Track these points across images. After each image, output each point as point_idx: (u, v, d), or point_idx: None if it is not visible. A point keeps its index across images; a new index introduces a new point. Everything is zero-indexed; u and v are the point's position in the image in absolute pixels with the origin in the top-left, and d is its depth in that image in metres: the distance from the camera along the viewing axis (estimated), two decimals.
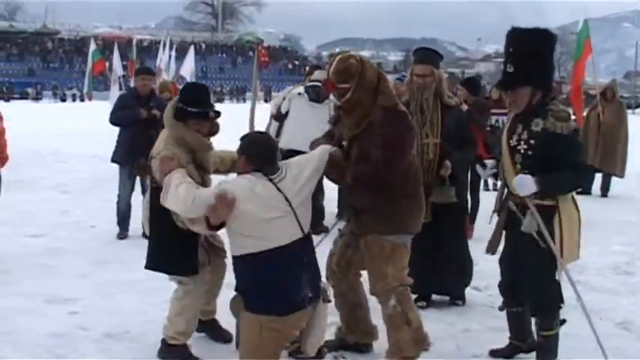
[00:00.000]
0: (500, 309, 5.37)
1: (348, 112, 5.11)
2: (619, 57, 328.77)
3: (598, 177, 13.55)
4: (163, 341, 5.33)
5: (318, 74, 9.94)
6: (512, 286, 5.15)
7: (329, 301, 4.96)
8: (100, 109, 22.74)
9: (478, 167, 5.46)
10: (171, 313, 5.32)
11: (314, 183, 4.87)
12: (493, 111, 11.26)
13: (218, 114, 5.26)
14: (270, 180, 4.60)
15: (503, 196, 5.15)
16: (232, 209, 4.46)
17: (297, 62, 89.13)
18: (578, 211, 4.98)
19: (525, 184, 4.71)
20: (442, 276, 6.61)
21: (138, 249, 6.98)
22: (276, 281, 4.55)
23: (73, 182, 14.12)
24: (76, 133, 25.05)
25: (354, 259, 5.32)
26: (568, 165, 4.71)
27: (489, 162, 5.38)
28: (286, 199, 4.59)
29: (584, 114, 14.08)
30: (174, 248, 5.13)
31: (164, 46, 27.74)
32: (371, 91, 5.03)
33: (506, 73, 4.87)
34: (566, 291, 5.00)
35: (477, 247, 6.59)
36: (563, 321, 5.04)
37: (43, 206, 11.39)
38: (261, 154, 4.69)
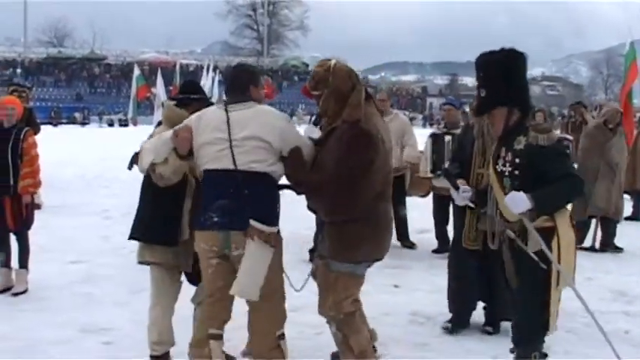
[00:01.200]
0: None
1: (321, 117, 5.35)
2: None
3: None
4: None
5: None
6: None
7: (272, 247, 4.77)
8: (145, 133, 22.89)
9: None
10: (148, 325, 5.67)
11: (267, 144, 4.78)
12: None
13: (212, 103, 5.62)
14: (225, 108, 4.88)
15: (496, 227, 5.01)
16: (189, 135, 4.93)
17: None
18: (575, 234, 4.79)
19: (518, 201, 4.49)
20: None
21: None
22: (202, 199, 4.98)
23: (115, 208, 14.12)
24: (121, 157, 25.15)
25: None
26: (558, 176, 4.52)
27: None
28: (228, 127, 4.79)
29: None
30: (158, 217, 5.48)
31: (207, 70, 27.91)
32: (340, 102, 4.92)
33: (480, 97, 4.81)
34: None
35: None
36: (545, 355, 4.85)
37: (84, 232, 11.40)
38: (226, 82, 5.31)
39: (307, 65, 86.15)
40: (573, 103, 19.12)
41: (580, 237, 10.45)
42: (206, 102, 5.70)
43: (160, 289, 5.61)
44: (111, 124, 62.73)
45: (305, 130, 9.91)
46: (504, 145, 4.76)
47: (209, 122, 4.89)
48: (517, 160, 4.66)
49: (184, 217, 5.47)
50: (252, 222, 4.68)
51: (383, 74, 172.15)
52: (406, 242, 10.38)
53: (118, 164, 22.59)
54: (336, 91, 4.92)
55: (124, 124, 60.82)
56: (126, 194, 16.14)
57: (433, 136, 10.19)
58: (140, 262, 5.72)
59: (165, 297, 5.61)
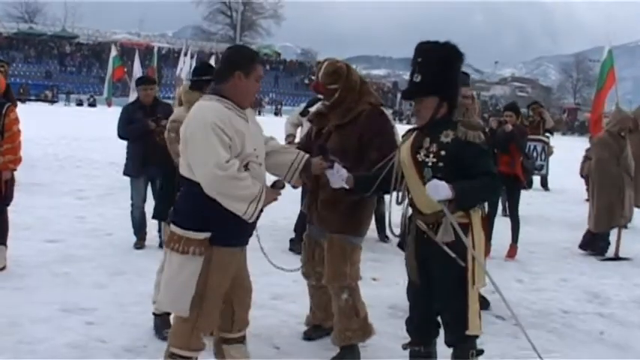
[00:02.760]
0: (404, 348, 5.00)
1: (334, 107, 5.64)
2: (635, 85, 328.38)
3: None
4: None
5: None
6: (427, 321, 4.85)
7: (187, 254, 4.39)
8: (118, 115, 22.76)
9: None
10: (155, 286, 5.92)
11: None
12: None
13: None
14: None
15: (407, 219, 4.88)
16: None
17: (313, 77, 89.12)
18: (486, 234, 4.68)
19: (440, 189, 4.39)
20: None
21: (155, 260, 6.94)
22: None
23: (89, 188, 14.08)
24: (93, 138, 25.02)
25: (321, 254, 5.78)
26: (480, 173, 4.47)
27: None
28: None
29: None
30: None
31: (184, 55, 27.74)
32: (356, 91, 5.66)
33: (413, 82, 4.69)
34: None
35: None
36: (481, 351, 4.69)
37: (59, 211, 11.33)
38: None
39: (279, 54, 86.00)
40: (531, 103, 19.17)
41: (601, 248, 10.62)
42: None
43: None
44: (80, 104, 62.25)
45: (289, 119, 9.87)
46: (428, 136, 4.63)
47: None
48: (442, 153, 4.55)
49: None
50: (171, 225, 4.49)
51: (355, 67, 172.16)
52: (383, 236, 10.43)
53: (91, 145, 22.73)
54: (353, 83, 5.66)
55: (92, 104, 60.47)
56: (101, 175, 16.16)
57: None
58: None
59: None
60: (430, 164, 4.57)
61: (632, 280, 9.08)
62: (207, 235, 4.34)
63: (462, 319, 4.54)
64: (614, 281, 9.00)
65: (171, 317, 5.02)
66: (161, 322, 5.93)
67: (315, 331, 6.17)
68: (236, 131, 4.31)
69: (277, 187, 4.54)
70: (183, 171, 4.42)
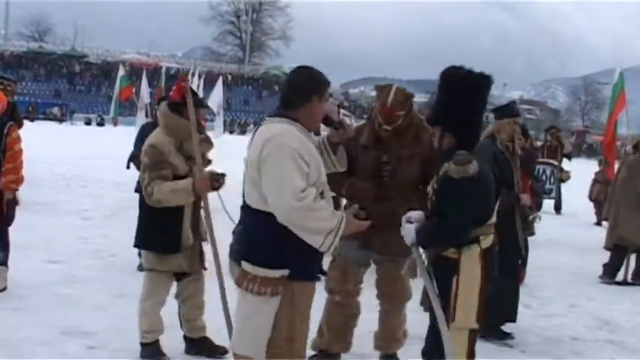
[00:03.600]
0: None
1: (399, 134, 5.69)
2: None
3: None
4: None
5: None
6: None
7: (265, 295, 4.07)
8: (125, 135, 22.71)
9: None
10: (139, 315, 5.89)
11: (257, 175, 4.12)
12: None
13: (206, 105, 6.07)
14: (260, 124, 4.37)
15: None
16: (207, 184, 5.59)
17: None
18: (487, 269, 4.43)
19: (406, 232, 4.47)
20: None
21: None
22: None
23: (94, 209, 14.00)
24: (101, 157, 24.99)
25: (359, 274, 5.94)
26: (441, 213, 4.39)
27: None
28: (250, 146, 4.26)
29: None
30: (159, 225, 5.70)
31: (192, 75, 27.65)
32: (417, 119, 5.81)
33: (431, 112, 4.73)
34: None
35: None
36: None
37: (62, 232, 11.23)
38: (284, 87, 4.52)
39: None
40: (548, 127, 19.05)
41: (610, 271, 10.48)
42: (200, 105, 5.98)
43: (155, 286, 5.91)
44: (88, 123, 62.39)
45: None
46: (440, 167, 4.55)
47: (250, 141, 4.36)
48: (435, 186, 4.51)
49: (185, 223, 5.68)
50: (242, 263, 4.15)
51: (363, 88, 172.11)
52: None
53: (98, 164, 22.71)
54: (416, 112, 5.93)
55: (100, 123, 60.62)
56: (106, 195, 16.10)
57: None
58: (149, 270, 5.98)
59: (159, 293, 5.89)
60: (429, 196, 4.59)
61: None
62: (284, 272, 4.04)
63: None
64: (623, 307, 8.87)
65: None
66: (152, 350, 5.87)
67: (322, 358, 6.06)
68: (313, 158, 4.13)
69: (359, 216, 4.33)
70: (252, 201, 4.13)
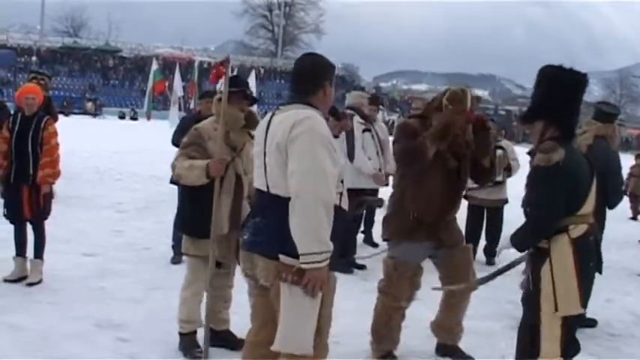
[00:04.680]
0: None
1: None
2: None
3: None
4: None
5: (352, 99, 9.84)
6: None
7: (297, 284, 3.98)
8: (159, 128, 22.83)
9: None
10: (179, 304, 5.95)
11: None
12: None
13: (255, 99, 6.23)
14: (274, 112, 4.26)
15: None
16: (222, 166, 5.54)
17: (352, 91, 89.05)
18: (578, 258, 4.40)
19: (504, 244, 4.75)
20: None
21: None
22: None
23: (128, 202, 14.08)
24: (134, 151, 25.18)
25: (418, 276, 5.98)
26: (531, 203, 4.52)
27: None
28: (266, 136, 4.16)
29: None
30: (195, 211, 5.80)
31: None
32: None
33: (528, 108, 4.76)
34: None
35: None
36: None
37: (97, 225, 11.32)
38: (292, 76, 4.43)
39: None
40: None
41: None
42: (245, 95, 5.97)
43: (195, 274, 5.89)
44: (122, 117, 62.85)
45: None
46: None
47: (258, 130, 4.36)
48: (529, 178, 4.61)
49: (221, 212, 5.66)
50: (281, 256, 3.97)
51: (395, 82, 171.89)
52: None
53: (132, 158, 22.87)
54: None
55: (134, 117, 61.07)
56: (140, 189, 16.18)
57: None
58: (185, 254, 6.07)
59: (199, 282, 5.85)
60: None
61: None
62: (328, 261, 3.94)
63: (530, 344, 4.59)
64: None
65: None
66: (189, 341, 5.89)
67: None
68: (335, 143, 4.13)
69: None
70: (282, 190, 3.99)
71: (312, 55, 4.50)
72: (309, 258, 3.84)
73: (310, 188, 3.82)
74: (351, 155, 8.99)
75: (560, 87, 4.56)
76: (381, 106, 11.10)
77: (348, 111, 9.26)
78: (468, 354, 6.11)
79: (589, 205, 4.53)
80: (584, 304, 4.45)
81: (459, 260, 5.88)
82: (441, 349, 6.19)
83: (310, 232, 3.84)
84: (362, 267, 9.37)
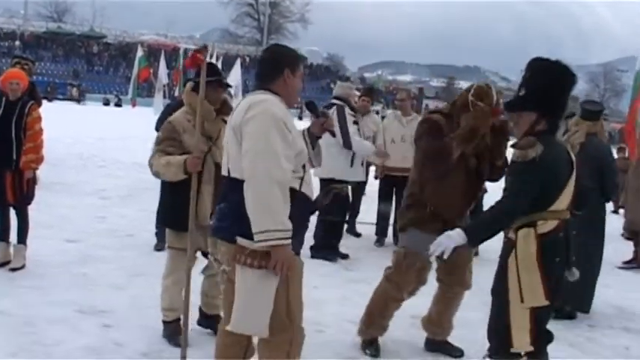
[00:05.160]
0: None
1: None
2: None
3: None
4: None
5: (339, 89, 9.81)
6: None
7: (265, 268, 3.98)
8: (144, 115, 22.79)
9: None
10: (161, 292, 5.97)
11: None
12: None
13: (228, 85, 6.23)
14: (240, 101, 4.32)
15: None
16: (199, 161, 5.44)
17: (339, 81, 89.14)
18: (546, 252, 4.42)
19: (444, 241, 4.55)
20: None
21: None
22: None
23: (111, 189, 14.05)
24: (118, 138, 25.11)
25: (427, 270, 5.96)
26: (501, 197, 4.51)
27: None
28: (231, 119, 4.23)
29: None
30: (175, 203, 5.72)
31: (211, 57, 27.65)
32: None
33: (517, 96, 4.68)
34: None
35: None
36: None
37: (80, 211, 11.31)
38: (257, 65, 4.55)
39: (306, 58, 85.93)
40: (569, 114, 18.88)
41: None
42: (221, 84, 5.91)
43: (176, 264, 5.87)
44: (107, 104, 62.66)
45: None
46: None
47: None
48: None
49: (204, 202, 5.64)
50: (238, 239, 4.00)
51: (380, 72, 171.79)
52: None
53: (116, 144, 22.82)
54: None
55: (118, 104, 60.89)
56: (123, 176, 16.17)
57: None
58: (169, 247, 5.99)
59: (179, 271, 5.78)
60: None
61: None
62: (288, 240, 3.92)
63: (503, 335, 4.55)
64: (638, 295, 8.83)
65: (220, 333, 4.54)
66: (172, 329, 5.90)
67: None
68: (295, 128, 4.13)
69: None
70: (239, 174, 4.00)
71: (274, 45, 4.64)
72: (263, 236, 3.83)
73: (261, 168, 3.84)
74: (347, 143, 9.07)
75: (555, 81, 4.57)
76: (379, 101, 11.29)
77: (337, 101, 9.32)
78: (457, 346, 6.15)
79: (563, 202, 4.54)
80: (550, 297, 4.44)
81: (461, 258, 5.74)
82: (429, 344, 6.21)
83: (263, 210, 3.84)
84: (345, 256, 9.41)
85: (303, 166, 4.15)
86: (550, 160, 4.42)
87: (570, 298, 6.91)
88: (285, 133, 3.96)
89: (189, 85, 5.94)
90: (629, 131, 13.38)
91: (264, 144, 3.88)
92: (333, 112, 9.01)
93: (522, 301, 4.43)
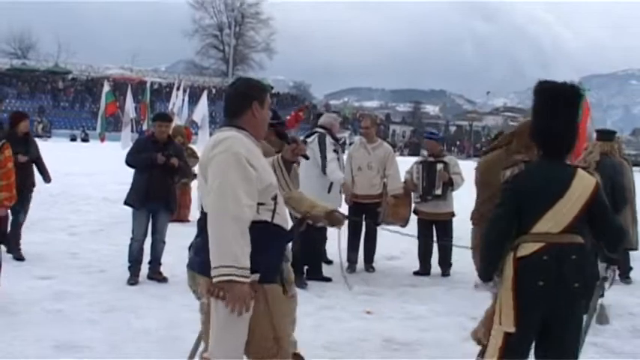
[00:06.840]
0: None
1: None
2: (626, 113, 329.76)
3: None
4: None
5: (324, 119, 10.09)
6: None
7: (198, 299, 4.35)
8: (111, 150, 22.75)
9: None
10: None
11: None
12: None
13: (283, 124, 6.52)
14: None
15: None
16: None
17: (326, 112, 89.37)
18: (523, 276, 4.45)
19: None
20: None
21: (148, 296, 6.92)
22: None
23: (82, 224, 14.02)
24: (86, 174, 25.02)
25: None
26: None
27: None
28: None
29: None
30: None
31: (177, 89, 27.72)
32: None
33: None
34: None
35: None
36: None
37: (51, 247, 11.29)
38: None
39: (272, 87, 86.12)
40: None
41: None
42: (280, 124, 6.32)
43: None
44: (73, 139, 62.28)
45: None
46: None
47: None
48: None
49: None
50: (212, 272, 4.00)
51: (346, 99, 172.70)
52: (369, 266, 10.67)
53: (84, 180, 22.70)
54: None
55: (85, 139, 60.55)
56: (93, 211, 16.12)
57: (423, 163, 10.65)
58: None
59: None
60: None
61: (626, 309, 9.02)
62: (255, 276, 4.00)
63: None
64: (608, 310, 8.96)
65: None
66: None
67: None
68: (261, 163, 4.20)
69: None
70: (208, 208, 4.09)
71: (240, 79, 4.66)
72: (216, 271, 3.90)
73: (218, 204, 3.94)
74: (324, 168, 9.46)
75: (537, 106, 4.68)
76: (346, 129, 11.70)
77: (320, 130, 9.71)
78: None
79: (545, 224, 4.45)
80: (521, 324, 4.45)
81: None
82: None
83: (218, 246, 3.91)
84: (328, 279, 9.50)
85: (274, 198, 4.22)
86: (522, 180, 4.54)
87: None
88: (247, 169, 4.03)
89: None
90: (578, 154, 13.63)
91: (222, 181, 3.97)
92: (314, 139, 9.56)
93: (500, 322, 4.53)
